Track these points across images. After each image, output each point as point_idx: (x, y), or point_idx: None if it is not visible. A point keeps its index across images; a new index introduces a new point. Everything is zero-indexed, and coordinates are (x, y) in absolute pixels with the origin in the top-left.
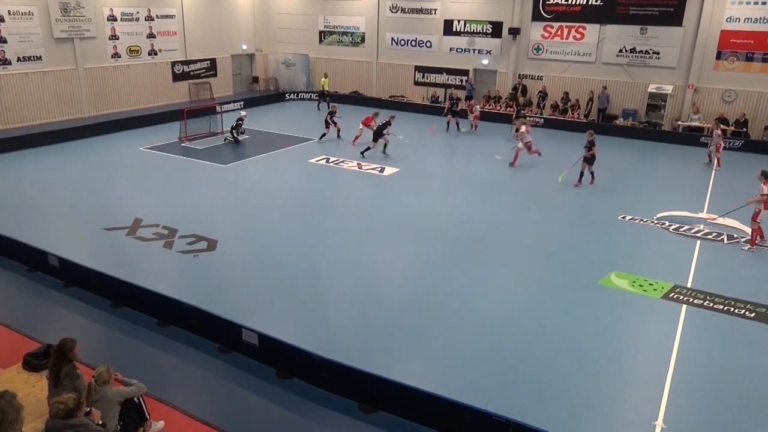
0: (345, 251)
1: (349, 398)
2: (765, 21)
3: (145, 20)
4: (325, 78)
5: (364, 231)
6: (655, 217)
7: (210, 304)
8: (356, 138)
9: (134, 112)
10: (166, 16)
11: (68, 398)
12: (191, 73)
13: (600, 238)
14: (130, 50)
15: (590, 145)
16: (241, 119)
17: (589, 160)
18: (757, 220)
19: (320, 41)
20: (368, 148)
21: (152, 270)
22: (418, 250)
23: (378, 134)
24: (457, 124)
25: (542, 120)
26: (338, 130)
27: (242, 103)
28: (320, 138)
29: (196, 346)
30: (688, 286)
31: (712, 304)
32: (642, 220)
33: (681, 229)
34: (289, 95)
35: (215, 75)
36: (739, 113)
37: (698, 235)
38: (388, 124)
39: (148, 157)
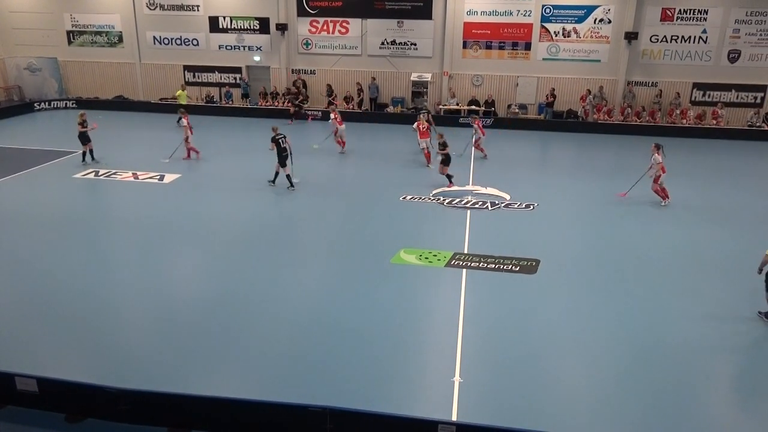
0: (131, 269)
1: (157, 425)
2: (497, 13)
3: None
4: (182, 90)
5: (149, 244)
6: (431, 194)
7: None
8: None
9: None
10: None
11: None
12: None
13: (387, 219)
14: None
15: (443, 146)
16: None
17: (445, 162)
18: (659, 182)
19: (70, 42)
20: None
21: None
22: (211, 257)
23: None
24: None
25: (320, 113)
26: (90, 150)
27: None
28: (85, 157)
29: None
30: (465, 252)
31: (485, 265)
32: (420, 198)
33: (453, 202)
34: (39, 105)
35: None
36: (487, 95)
37: (468, 205)
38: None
39: None
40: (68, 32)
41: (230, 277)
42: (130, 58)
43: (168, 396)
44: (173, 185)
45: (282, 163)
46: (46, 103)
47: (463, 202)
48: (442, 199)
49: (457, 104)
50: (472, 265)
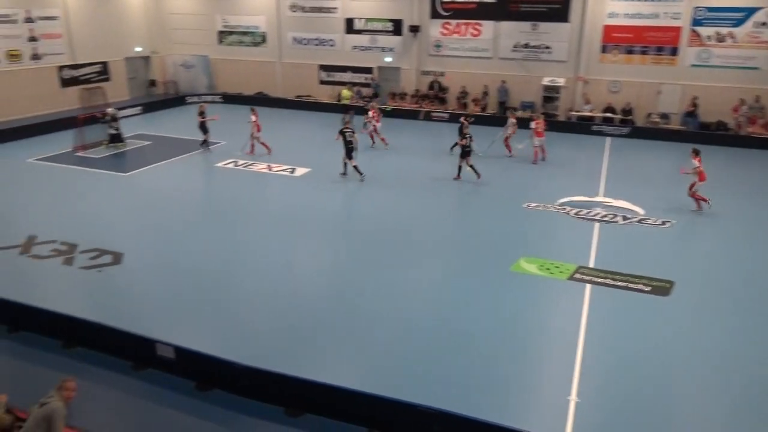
0: (260, 255)
1: (275, 404)
2: (641, 16)
3: (25, 22)
4: (348, 90)
5: (278, 233)
6: (557, 203)
7: (119, 320)
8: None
9: (18, 122)
10: (49, 18)
11: (5, 417)
12: (81, 77)
13: (508, 226)
14: (9, 55)
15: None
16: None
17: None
18: (693, 189)
19: (220, 42)
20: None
21: (52, 289)
22: (334, 250)
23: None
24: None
25: (447, 114)
26: (206, 140)
27: (141, 107)
28: (202, 144)
29: (108, 366)
30: (591, 266)
31: (612, 281)
32: (545, 206)
33: (581, 213)
34: (191, 98)
35: (108, 79)
36: (624, 102)
37: (596, 217)
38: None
39: (39, 170)
40: (219, 32)
41: (353, 271)
42: (272, 57)
43: (287, 378)
44: (303, 178)
45: (348, 155)
46: (197, 97)
47: (591, 214)
48: (568, 209)
49: (591, 111)
50: (598, 280)
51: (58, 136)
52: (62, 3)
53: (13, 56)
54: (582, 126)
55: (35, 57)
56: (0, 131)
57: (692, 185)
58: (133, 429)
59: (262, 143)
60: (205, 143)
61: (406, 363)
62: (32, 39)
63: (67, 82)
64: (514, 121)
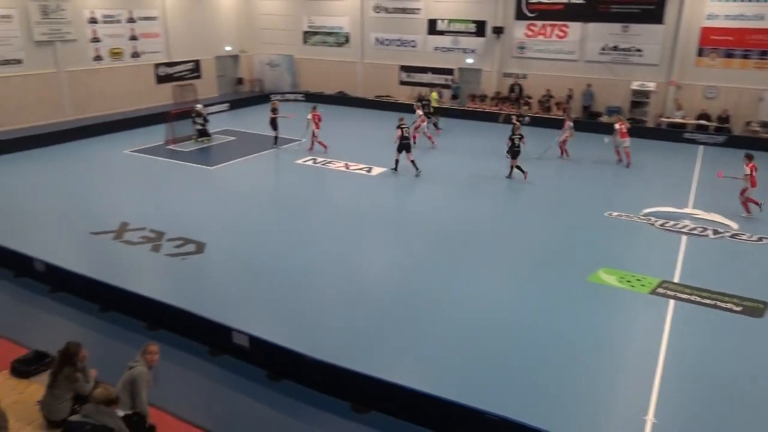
0: (335, 252)
1: (342, 399)
2: (744, 18)
3: (127, 22)
4: (434, 94)
5: (353, 231)
6: (641, 213)
7: (199, 306)
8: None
9: (117, 115)
10: (148, 18)
11: (111, 390)
12: (175, 75)
13: (588, 234)
14: (112, 52)
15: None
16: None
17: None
18: (745, 194)
19: (304, 42)
20: None
21: (140, 273)
22: (408, 249)
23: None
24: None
25: (528, 118)
26: (276, 136)
27: (228, 104)
28: (275, 143)
29: (187, 350)
30: (675, 281)
31: (699, 299)
32: (628, 216)
33: (667, 225)
34: (274, 96)
35: (199, 77)
36: (720, 109)
37: (684, 230)
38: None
39: (134, 161)
40: (304, 32)
41: (425, 272)
42: (354, 57)
43: (355, 374)
44: (379, 178)
45: (405, 149)
46: (280, 95)
47: (678, 226)
48: (653, 219)
49: (683, 117)
50: (683, 296)
51: (152, 130)
52: (161, 4)
53: (116, 54)
54: (672, 133)
55: (135, 55)
56: (101, 124)
57: (744, 190)
58: (206, 412)
59: (312, 139)
60: (276, 140)
61: (474, 367)
62: (133, 38)
63: (161, 79)
64: (571, 124)
